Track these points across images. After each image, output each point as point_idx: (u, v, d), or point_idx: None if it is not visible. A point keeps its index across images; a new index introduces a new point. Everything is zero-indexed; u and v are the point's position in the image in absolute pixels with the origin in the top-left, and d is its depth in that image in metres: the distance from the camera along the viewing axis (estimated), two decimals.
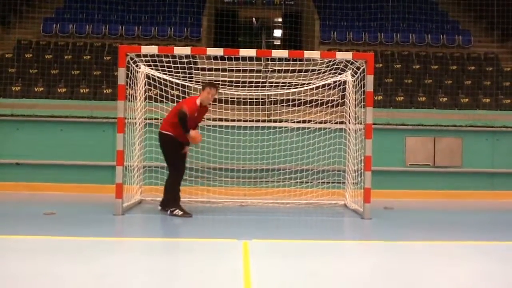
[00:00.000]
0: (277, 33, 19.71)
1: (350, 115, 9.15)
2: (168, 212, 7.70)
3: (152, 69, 8.92)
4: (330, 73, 9.09)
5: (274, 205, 8.97)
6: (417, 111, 11.59)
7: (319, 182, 9.60)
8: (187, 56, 8.82)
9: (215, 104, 9.61)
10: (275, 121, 10.10)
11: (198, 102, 7.65)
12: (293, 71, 9.54)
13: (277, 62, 9.67)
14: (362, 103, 8.30)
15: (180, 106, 7.68)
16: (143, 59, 8.62)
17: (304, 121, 9.90)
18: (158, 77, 9.12)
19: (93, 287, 4.23)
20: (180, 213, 7.63)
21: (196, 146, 9.55)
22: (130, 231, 7.12)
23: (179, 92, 9.54)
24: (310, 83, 9.58)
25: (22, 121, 10.53)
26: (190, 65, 9.13)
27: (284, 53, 8.22)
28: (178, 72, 9.01)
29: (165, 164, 9.48)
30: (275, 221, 7.66)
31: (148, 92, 9.30)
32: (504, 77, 13.16)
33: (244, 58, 8.62)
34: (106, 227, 6.99)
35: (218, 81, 9.64)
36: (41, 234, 6.27)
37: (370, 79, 7.89)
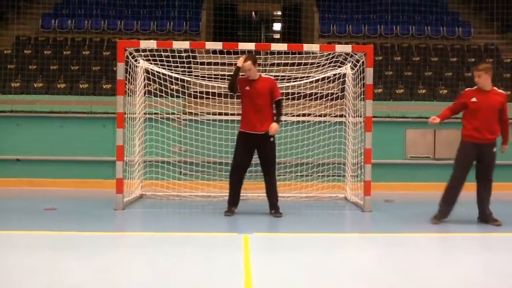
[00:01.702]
0: (277, 26, 19.64)
1: (350, 108, 9.14)
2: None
3: (151, 63, 8.90)
4: (329, 66, 9.07)
5: None
6: (417, 103, 11.58)
7: (319, 175, 9.60)
8: (186, 51, 8.81)
9: (215, 98, 9.60)
10: None
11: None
12: (293, 64, 9.51)
13: (277, 56, 9.63)
14: (362, 96, 8.28)
15: None
16: (142, 53, 8.61)
17: (303, 115, 9.88)
18: (157, 71, 9.11)
19: (94, 282, 4.24)
20: (225, 210, 7.42)
21: (196, 140, 9.56)
22: (130, 226, 7.14)
23: (179, 87, 9.52)
24: (309, 76, 9.56)
25: (22, 117, 10.52)
26: (189, 60, 9.11)
27: (283, 47, 8.20)
28: (177, 67, 8.99)
29: (165, 159, 9.54)
30: None
31: (148, 87, 9.28)
32: (504, 69, 13.12)
33: (243, 52, 8.58)
34: (106, 222, 7.01)
35: (217, 75, 9.63)
36: (42, 230, 6.29)
37: (369, 71, 7.87)
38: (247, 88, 7.21)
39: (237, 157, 7.31)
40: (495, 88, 6.93)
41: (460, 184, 6.90)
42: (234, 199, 7.44)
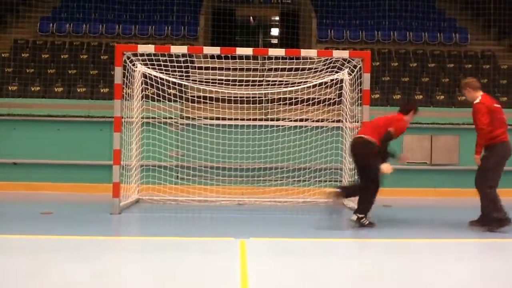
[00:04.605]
0: (274, 31, 19.68)
1: (347, 113, 9.16)
2: (355, 217, 7.16)
3: (149, 68, 8.91)
4: (327, 72, 9.09)
5: (271, 204, 8.97)
6: None
7: (316, 181, 9.60)
8: (184, 55, 8.82)
9: (212, 103, 9.61)
10: (272, 119, 10.10)
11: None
12: (290, 69, 9.54)
13: (274, 61, 9.67)
14: (359, 101, 8.30)
15: (390, 122, 7.22)
16: (140, 58, 8.61)
17: (301, 120, 9.90)
18: (155, 76, 9.12)
19: (90, 286, 4.23)
20: (366, 222, 7.16)
21: (193, 144, 9.56)
22: (127, 230, 7.13)
23: (176, 91, 9.53)
24: (307, 81, 9.58)
25: (19, 120, 10.51)
26: (187, 64, 9.12)
27: (281, 52, 8.24)
28: (175, 71, 9.00)
29: (162, 163, 9.53)
30: (273, 220, 7.66)
31: (145, 91, 9.29)
32: (501, 75, 13.16)
33: (241, 57, 8.63)
34: (103, 226, 6.99)
35: (215, 79, 9.64)
36: (38, 234, 6.26)
37: (367, 77, 7.90)
38: None
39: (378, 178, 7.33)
40: (479, 98, 7.18)
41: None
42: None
